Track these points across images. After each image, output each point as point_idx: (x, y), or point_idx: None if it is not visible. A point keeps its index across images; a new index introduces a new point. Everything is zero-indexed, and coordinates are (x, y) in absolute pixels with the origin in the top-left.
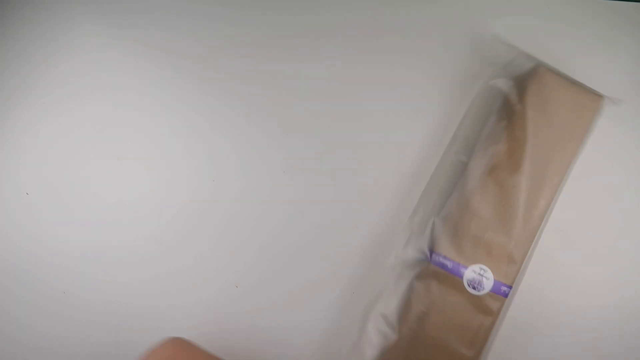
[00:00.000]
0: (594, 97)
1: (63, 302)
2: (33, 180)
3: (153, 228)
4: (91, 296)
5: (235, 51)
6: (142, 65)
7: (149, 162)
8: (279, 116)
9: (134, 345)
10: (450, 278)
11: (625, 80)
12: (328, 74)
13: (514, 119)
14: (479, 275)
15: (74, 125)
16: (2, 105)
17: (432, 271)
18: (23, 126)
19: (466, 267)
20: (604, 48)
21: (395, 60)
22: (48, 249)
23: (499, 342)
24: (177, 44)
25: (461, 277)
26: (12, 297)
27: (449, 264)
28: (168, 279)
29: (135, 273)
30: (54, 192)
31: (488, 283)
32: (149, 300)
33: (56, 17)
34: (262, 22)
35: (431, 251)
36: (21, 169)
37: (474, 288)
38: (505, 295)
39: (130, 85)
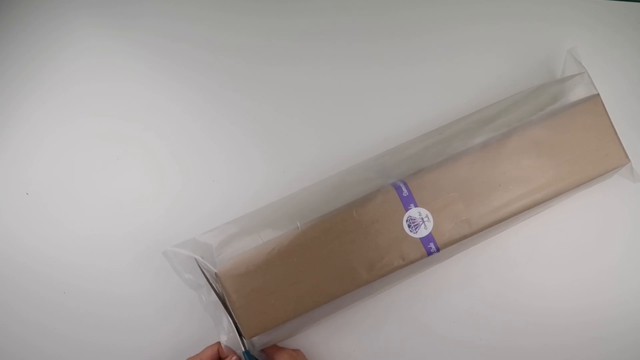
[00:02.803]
0: (622, 156)
1: (63, 301)
2: (33, 180)
3: (153, 229)
4: (90, 295)
5: (238, 56)
6: (142, 68)
7: (148, 162)
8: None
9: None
10: (396, 203)
11: None
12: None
13: (547, 121)
14: (421, 219)
15: (73, 127)
16: (4, 107)
17: (387, 190)
18: (24, 127)
19: (416, 205)
20: None
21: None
22: (48, 248)
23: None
24: (177, 48)
25: (406, 210)
26: (13, 297)
27: (405, 192)
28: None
29: (135, 272)
30: (54, 193)
31: (423, 232)
32: (148, 301)
33: (57, 22)
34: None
35: (400, 180)
36: (21, 169)
37: (409, 226)
38: (429, 253)
39: (130, 88)
